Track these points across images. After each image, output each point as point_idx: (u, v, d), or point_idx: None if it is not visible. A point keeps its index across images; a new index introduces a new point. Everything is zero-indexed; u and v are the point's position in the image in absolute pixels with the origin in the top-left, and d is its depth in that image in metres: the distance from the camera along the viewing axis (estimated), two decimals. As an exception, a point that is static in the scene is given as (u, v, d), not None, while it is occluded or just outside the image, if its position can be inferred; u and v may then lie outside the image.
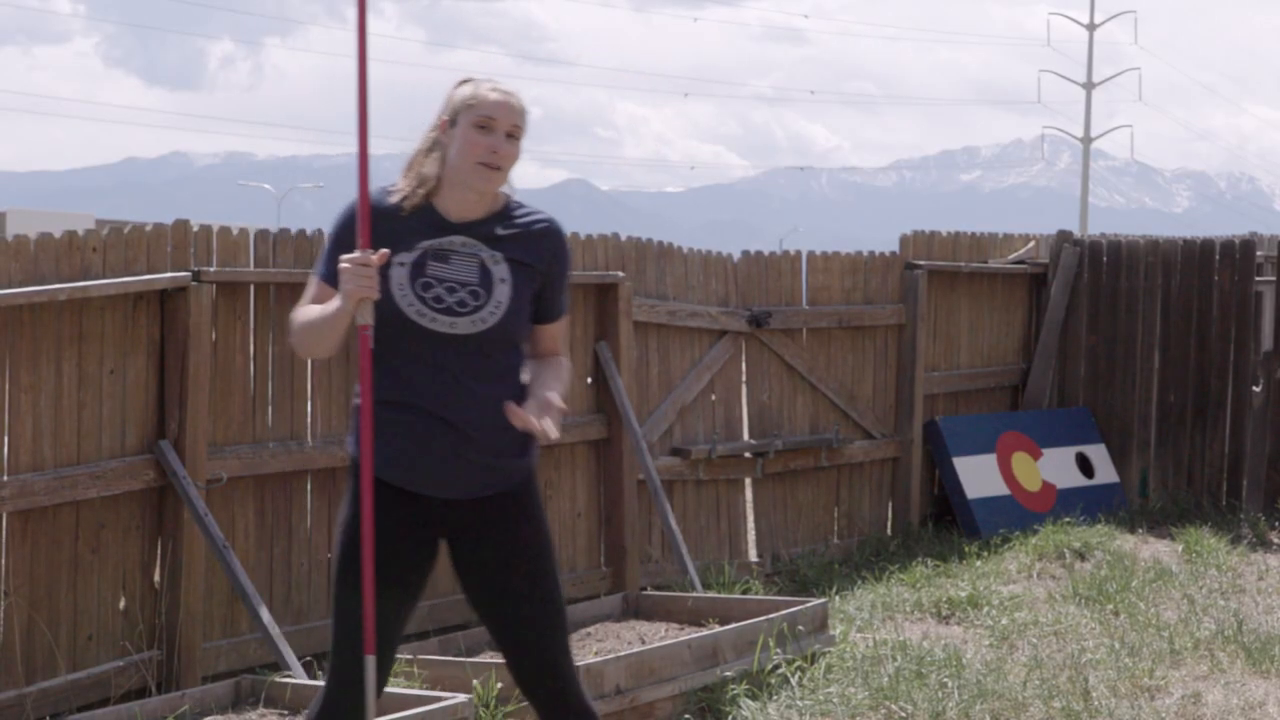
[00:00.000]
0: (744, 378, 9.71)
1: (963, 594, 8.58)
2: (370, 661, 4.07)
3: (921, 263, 10.74)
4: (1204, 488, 11.56)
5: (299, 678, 6.30)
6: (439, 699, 5.66)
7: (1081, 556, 9.78)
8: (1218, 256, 11.63)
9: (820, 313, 10.07)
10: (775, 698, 6.55)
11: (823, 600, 7.55)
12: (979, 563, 9.59)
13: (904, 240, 10.94)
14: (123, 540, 6.47)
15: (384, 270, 4.05)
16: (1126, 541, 10.31)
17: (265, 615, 6.51)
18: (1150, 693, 6.76)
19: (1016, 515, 10.69)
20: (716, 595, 7.79)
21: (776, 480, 9.86)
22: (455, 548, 4.21)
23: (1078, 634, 7.82)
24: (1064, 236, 11.98)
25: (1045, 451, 11.27)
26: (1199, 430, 11.61)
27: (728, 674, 6.60)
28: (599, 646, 7.02)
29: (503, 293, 4.10)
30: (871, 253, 10.68)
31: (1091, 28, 71.25)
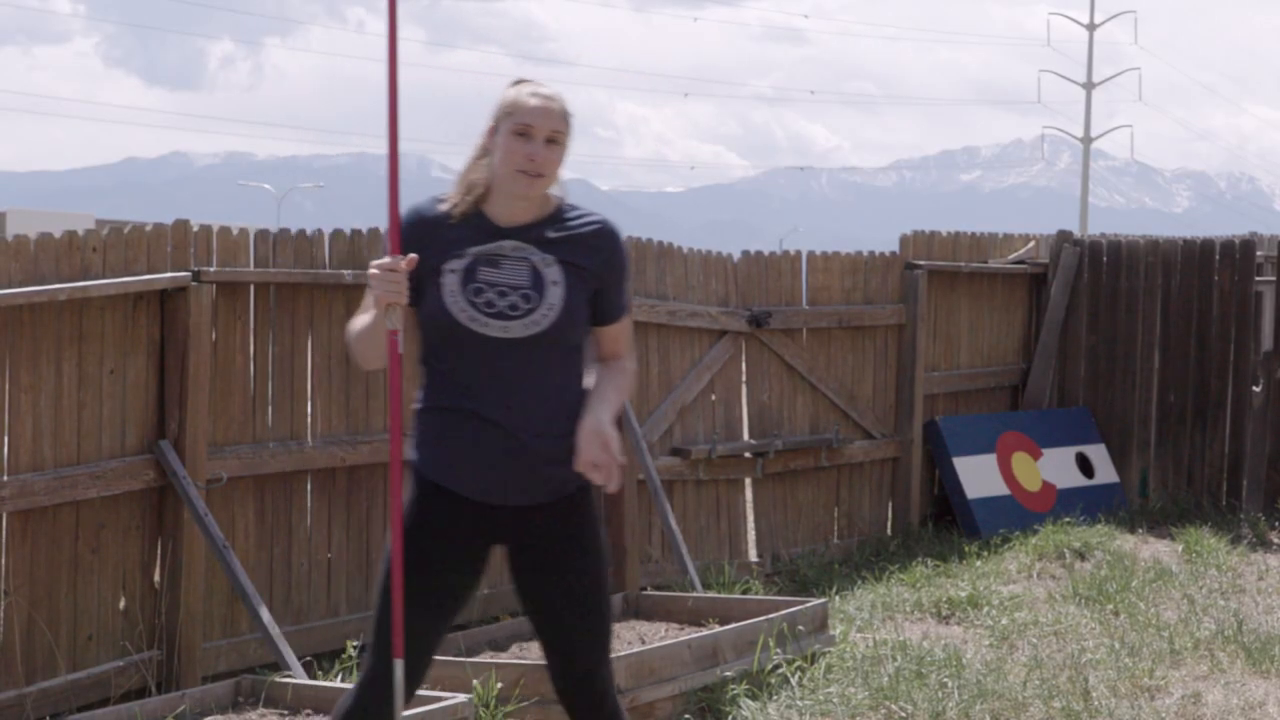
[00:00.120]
0: (744, 378, 9.71)
1: (963, 594, 8.58)
2: (399, 665, 4.07)
3: (921, 263, 10.74)
4: (1204, 488, 11.56)
5: (299, 678, 6.30)
6: (439, 699, 5.65)
7: (1081, 556, 9.78)
8: (1218, 256, 11.63)
9: (820, 313, 10.07)
10: (775, 698, 6.55)
11: (823, 600, 7.55)
12: (979, 563, 9.59)
13: (904, 240, 10.94)
14: (123, 540, 6.47)
15: (436, 278, 4.07)
16: (1126, 541, 10.31)
17: (265, 615, 6.51)
18: (1150, 693, 6.76)
19: (1016, 515, 10.69)
20: (716, 595, 7.79)
21: (776, 480, 9.86)
22: (511, 553, 4.21)
23: (1078, 634, 7.82)
24: (1064, 236, 11.98)
25: (1045, 451, 11.28)
26: (1199, 430, 11.61)
27: (728, 674, 6.60)
28: (599, 646, 7.01)
29: (555, 295, 4.08)
30: (871, 253, 10.68)
31: (1091, 28, 71.27)
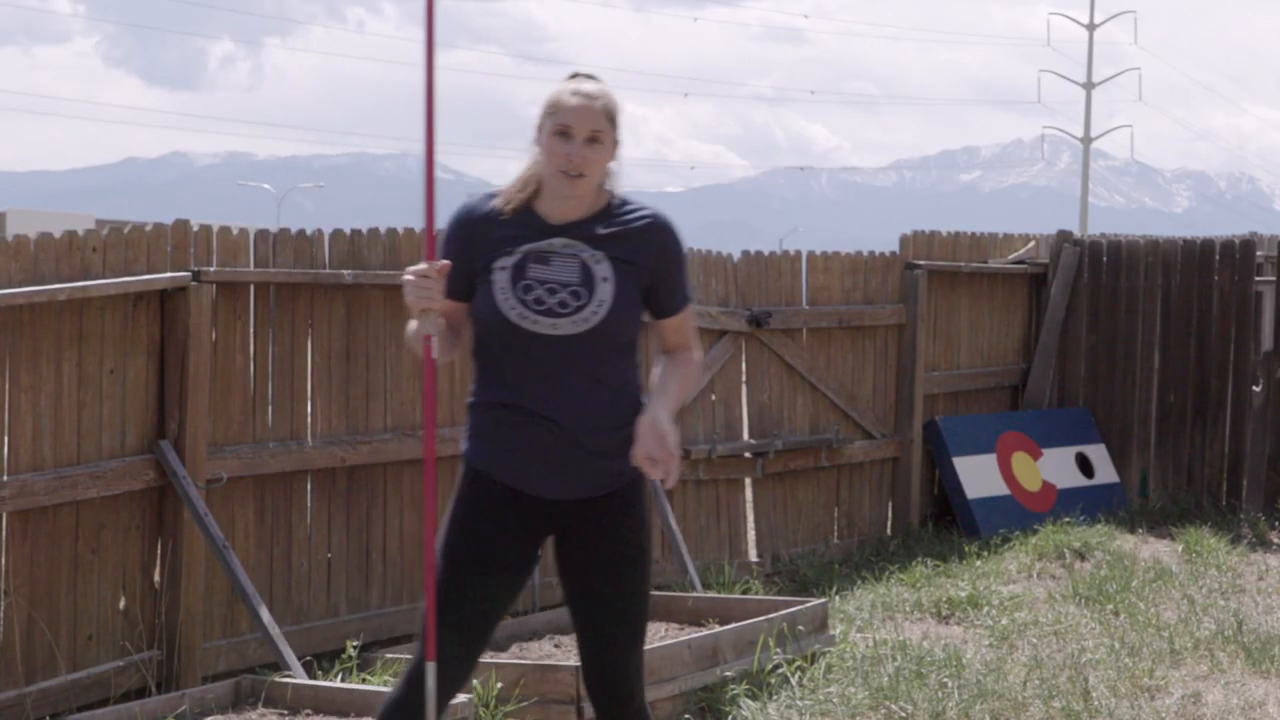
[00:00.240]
0: (744, 378, 9.71)
1: (963, 594, 8.58)
2: (431, 668, 4.07)
3: (921, 263, 10.74)
4: (1204, 488, 11.57)
5: (299, 678, 6.30)
6: (439, 699, 5.65)
7: (1081, 556, 9.78)
8: (1218, 256, 11.63)
9: (820, 313, 10.07)
10: (775, 698, 6.55)
11: (823, 600, 7.55)
12: (979, 563, 9.59)
13: (904, 240, 10.94)
14: (123, 540, 6.47)
15: (486, 275, 4.09)
16: (1126, 541, 10.31)
17: (265, 615, 6.51)
18: (1150, 693, 6.76)
19: (1016, 515, 10.70)
20: (716, 595, 7.79)
21: (776, 480, 9.86)
22: (559, 546, 4.23)
23: (1078, 634, 7.82)
24: (1064, 236, 11.98)
25: (1045, 451, 11.28)
26: (1199, 430, 11.61)
27: (728, 674, 6.60)
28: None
29: (605, 291, 4.09)
30: (871, 253, 10.68)
31: (1091, 28, 71.26)
